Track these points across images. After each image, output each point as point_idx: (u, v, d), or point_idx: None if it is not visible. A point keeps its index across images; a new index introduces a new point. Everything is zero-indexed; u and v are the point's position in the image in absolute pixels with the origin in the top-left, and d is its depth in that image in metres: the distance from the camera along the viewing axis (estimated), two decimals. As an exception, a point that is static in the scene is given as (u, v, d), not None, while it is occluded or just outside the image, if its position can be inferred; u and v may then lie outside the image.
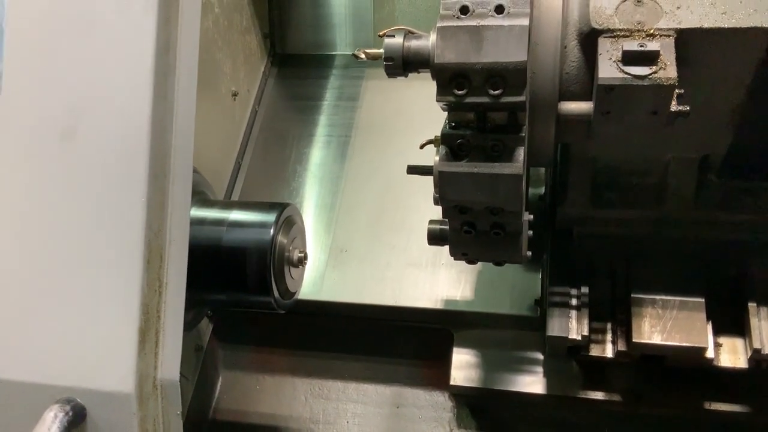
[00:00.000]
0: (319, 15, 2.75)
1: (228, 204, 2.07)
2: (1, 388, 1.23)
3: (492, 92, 1.30)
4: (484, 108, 1.35)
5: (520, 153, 1.37)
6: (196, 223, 1.79)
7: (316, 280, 2.22)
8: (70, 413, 1.16)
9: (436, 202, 1.74)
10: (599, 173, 1.75)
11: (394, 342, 2.24)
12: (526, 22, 1.28)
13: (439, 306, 2.14)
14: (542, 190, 2.15)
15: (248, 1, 2.52)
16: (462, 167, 1.39)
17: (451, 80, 1.31)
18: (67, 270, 1.25)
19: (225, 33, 2.31)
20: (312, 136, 2.57)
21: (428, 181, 1.69)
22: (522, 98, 1.30)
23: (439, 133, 1.46)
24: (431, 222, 1.78)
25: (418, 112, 2.44)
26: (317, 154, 2.53)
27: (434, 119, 1.49)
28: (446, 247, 1.75)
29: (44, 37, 1.30)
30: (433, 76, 1.34)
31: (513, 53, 1.27)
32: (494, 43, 1.27)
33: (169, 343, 1.23)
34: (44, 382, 1.21)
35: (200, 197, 1.92)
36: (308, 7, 2.74)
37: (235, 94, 2.42)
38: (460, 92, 1.31)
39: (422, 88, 2.08)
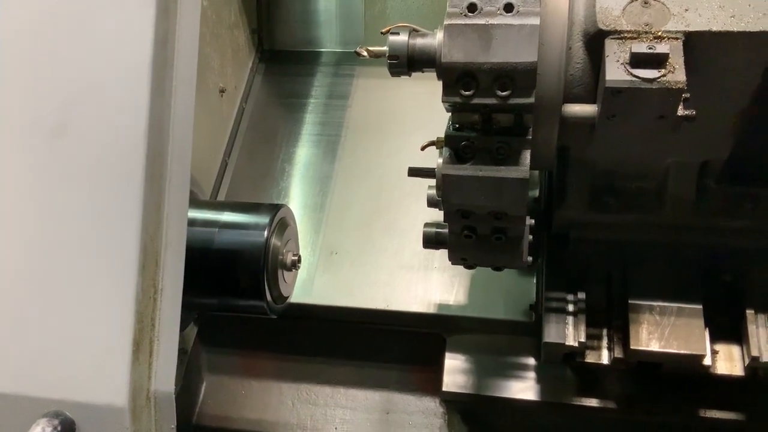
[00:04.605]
0: (308, 11, 2.69)
1: (219, 204, 2.01)
2: (-15, 401, 1.17)
3: (500, 93, 1.26)
4: (491, 109, 1.31)
5: (527, 156, 1.34)
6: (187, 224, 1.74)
7: (306, 283, 2.16)
8: (59, 428, 1.09)
9: (429, 204, 1.71)
10: (598, 177, 1.72)
11: (385, 346, 2.19)
12: (536, 21, 1.24)
13: (431, 310, 2.10)
14: (536, 192, 2.12)
15: (236, -6, 2.46)
16: (467, 170, 1.35)
17: (458, 80, 1.27)
18: (57, 275, 1.18)
19: (213, 27, 2.25)
20: (301, 135, 2.51)
21: (421, 182, 1.65)
22: (531, 100, 1.27)
23: (434, 134, 1.42)
24: (427, 225, 1.74)
25: (410, 112, 2.42)
26: (306, 153, 2.47)
27: (426, 119, 1.45)
28: (439, 251, 1.71)
29: (35, 28, 1.22)
30: (439, 76, 1.30)
31: (523, 53, 1.23)
32: (503, 43, 1.24)
33: (164, 352, 1.16)
34: (31, 395, 1.14)
35: (190, 197, 1.86)
36: (297, 2, 2.68)
37: (222, 91, 2.35)
38: (466, 93, 1.27)
39: (415, 87, 2.04)
